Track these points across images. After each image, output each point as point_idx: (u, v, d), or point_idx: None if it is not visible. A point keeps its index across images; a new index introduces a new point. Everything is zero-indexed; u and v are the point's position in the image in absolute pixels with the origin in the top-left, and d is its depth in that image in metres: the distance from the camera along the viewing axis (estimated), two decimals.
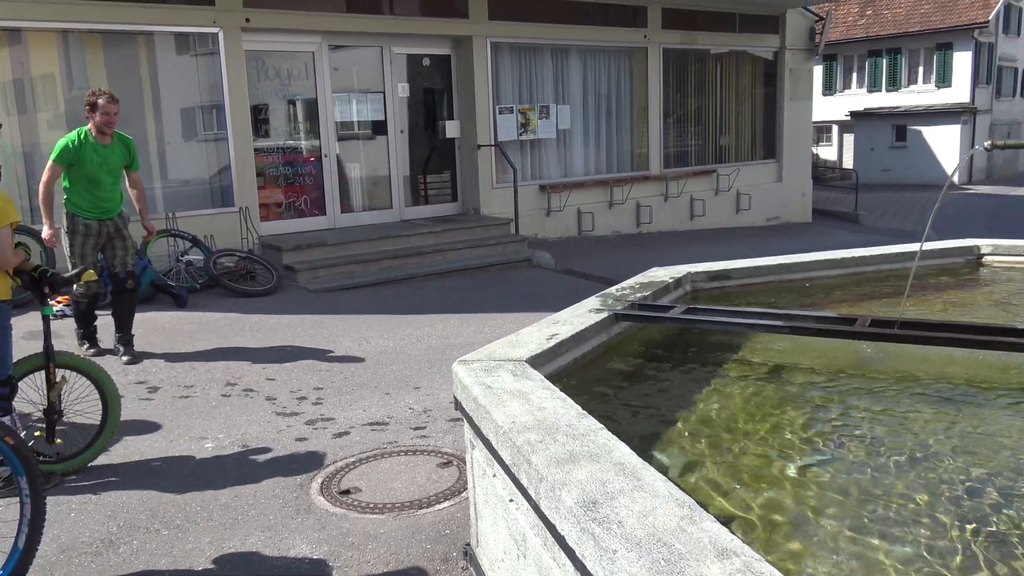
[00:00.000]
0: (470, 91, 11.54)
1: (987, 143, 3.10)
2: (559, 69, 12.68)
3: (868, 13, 32.08)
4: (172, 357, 6.35)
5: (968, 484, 2.41)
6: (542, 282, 9.62)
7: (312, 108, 10.38)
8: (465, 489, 3.91)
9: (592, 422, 2.41)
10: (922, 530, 2.19)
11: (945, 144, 29.71)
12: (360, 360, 6.28)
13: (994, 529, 2.17)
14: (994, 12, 28.91)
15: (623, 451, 2.18)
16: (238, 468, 4.25)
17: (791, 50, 15.66)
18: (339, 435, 4.70)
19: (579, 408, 2.53)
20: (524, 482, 2.24)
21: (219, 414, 5.09)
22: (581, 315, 3.74)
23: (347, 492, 3.96)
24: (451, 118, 11.69)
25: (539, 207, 12.32)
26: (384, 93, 10.99)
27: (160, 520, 3.69)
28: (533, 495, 2.17)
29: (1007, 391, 3.13)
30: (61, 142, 5.92)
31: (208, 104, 9.68)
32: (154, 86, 9.43)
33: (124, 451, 4.47)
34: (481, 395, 2.70)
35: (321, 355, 6.42)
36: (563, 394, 2.67)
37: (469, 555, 3.21)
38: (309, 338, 6.94)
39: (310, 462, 4.31)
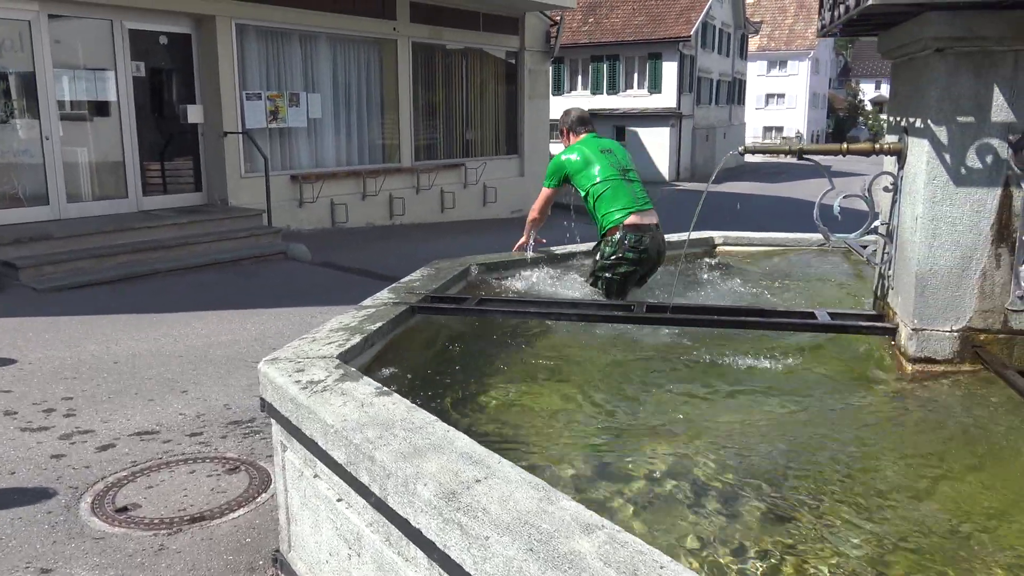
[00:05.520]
0: (214, 74, 10.85)
1: (741, 148, 3.53)
2: (309, 57, 12.33)
3: (590, 21, 34.59)
4: None
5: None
6: (300, 275, 9.35)
7: (30, 84, 9.19)
8: (260, 494, 3.76)
9: (425, 414, 2.44)
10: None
11: (657, 144, 32.98)
12: (112, 364, 5.73)
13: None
14: (694, 28, 32.49)
15: (464, 441, 2.25)
16: None
17: (530, 51, 16.50)
18: (103, 448, 4.28)
19: (407, 402, 2.55)
20: (366, 480, 2.23)
21: None
22: (380, 309, 3.74)
23: (125, 509, 3.63)
24: (193, 102, 10.93)
25: (291, 198, 11.92)
26: (115, 71, 10.01)
27: None
28: (378, 492, 2.16)
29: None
30: None
31: None
32: None
33: None
34: (302, 395, 2.63)
35: (63, 361, 5.76)
36: (387, 389, 2.68)
37: (280, 562, 3.10)
38: (45, 343, 6.20)
39: (74, 480, 3.89)
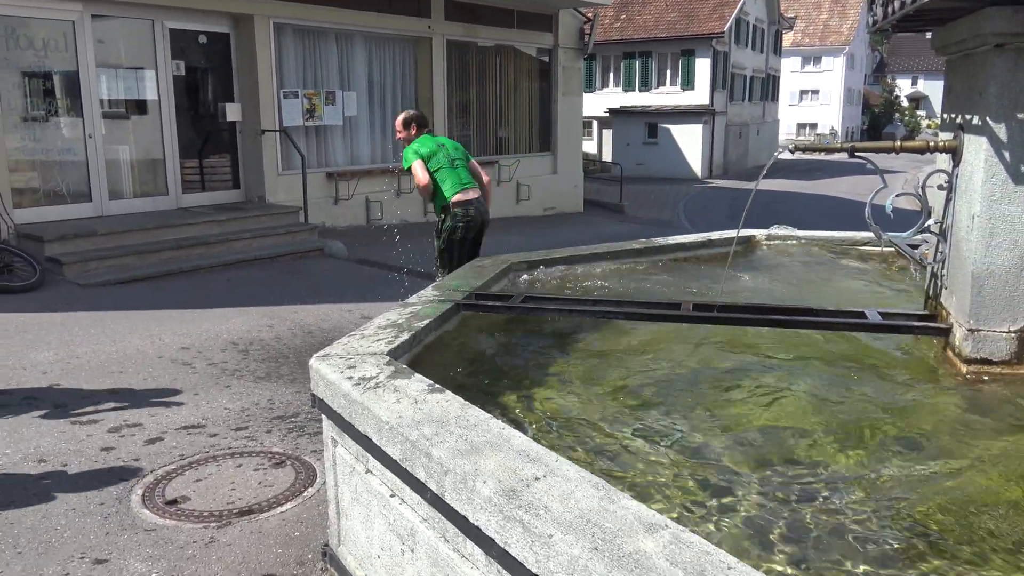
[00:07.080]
0: (252, 73, 10.97)
1: (792, 146, 3.49)
2: (344, 55, 12.42)
3: (622, 17, 34.41)
4: None
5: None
6: (338, 272, 9.42)
7: (73, 83, 9.35)
8: (307, 489, 3.80)
9: (479, 412, 2.45)
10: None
11: (690, 141, 32.71)
12: (156, 359, 5.81)
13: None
14: (728, 24, 32.19)
15: (520, 439, 2.25)
16: (39, 486, 3.80)
17: (563, 48, 16.46)
18: (151, 441, 4.34)
19: (460, 399, 2.56)
20: (422, 476, 2.23)
21: (0, 427, 4.50)
22: (426, 307, 3.75)
23: (175, 502, 3.68)
24: (231, 100, 11.05)
25: (327, 195, 12.01)
26: (156, 70, 10.15)
27: None
28: (435, 488, 2.17)
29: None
30: None
31: None
32: None
33: None
34: (355, 391, 2.64)
35: (109, 355, 5.86)
36: (439, 386, 2.69)
37: (329, 556, 3.13)
38: (90, 337, 6.31)
39: (124, 473, 3.96)
